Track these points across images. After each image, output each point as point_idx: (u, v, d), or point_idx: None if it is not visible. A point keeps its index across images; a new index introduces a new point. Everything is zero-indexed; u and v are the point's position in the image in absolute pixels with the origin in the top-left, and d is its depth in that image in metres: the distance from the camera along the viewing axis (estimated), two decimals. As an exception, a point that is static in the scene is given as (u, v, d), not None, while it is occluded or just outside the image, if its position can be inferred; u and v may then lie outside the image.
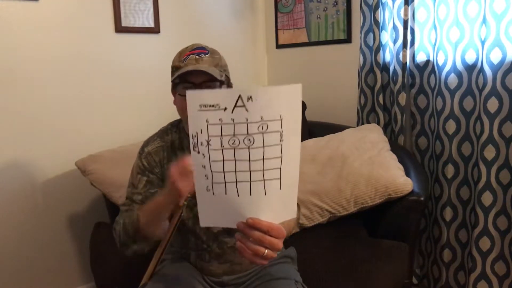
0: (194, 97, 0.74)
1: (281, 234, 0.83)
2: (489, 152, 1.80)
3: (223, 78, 1.20)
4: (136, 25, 2.25)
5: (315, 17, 2.49)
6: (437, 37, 1.92)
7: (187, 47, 1.24)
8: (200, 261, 1.34)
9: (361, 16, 2.14)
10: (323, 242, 1.70)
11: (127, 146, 2.09)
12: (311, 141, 2.04)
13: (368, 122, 2.20)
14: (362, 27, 2.15)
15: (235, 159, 0.76)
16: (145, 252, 1.25)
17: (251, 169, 0.76)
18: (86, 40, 2.11)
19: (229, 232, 1.31)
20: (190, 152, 1.27)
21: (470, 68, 1.85)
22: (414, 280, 2.15)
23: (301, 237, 1.71)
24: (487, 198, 1.82)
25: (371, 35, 2.12)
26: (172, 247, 1.43)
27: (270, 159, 0.76)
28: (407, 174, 1.77)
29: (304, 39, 2.56)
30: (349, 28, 2.34)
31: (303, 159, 1.85)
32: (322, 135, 2.08)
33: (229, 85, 1.28)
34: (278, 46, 2.73)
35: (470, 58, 1.85)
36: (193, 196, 1.28)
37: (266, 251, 0.82)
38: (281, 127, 0.74)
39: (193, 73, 1.17)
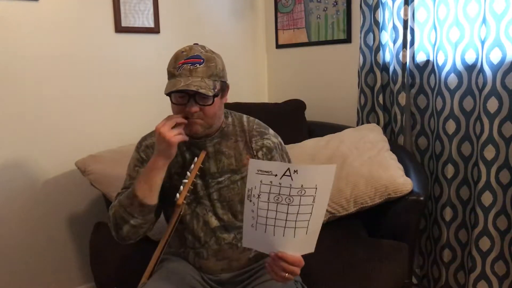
0: (255, 164, 1.01)
1: (301, 264, 1.09)
2: (489, 152, 1.80)
3: (216, 91, 1.20)
4: (136, 25, 2.25)
5: (315, 17, 2.49)
6: (437, 37, 1.92)
7: (183, 52, 1.22)
8: (199, 259, 1.34)
9: (361, 16, 2.14)
10: (323, 242, 1.68)
11: (127, 146, 2.08)
12: (311, 141, 2.04)
13: (368, 122, 2.20)
14: (362, 27, 2.15)
15: (276, 210, 1.03)
16: (140, 234, 1.26)
17: (286, 219, 1.03)
18: (86, 40, 2.11)
19: (226, 228, 1.32)
20: (185, 149, 1.31)
21: (470, 68, 1.85)
22: (414, 280, 2.15)
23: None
24: (487, 198, 1.82)
25: (371, 35, 2.12)
26: (170, 248, 1.44)
27: (303, 214, 1.02)
28: (407, 174, 1.77)
29: (304, 39, 2.56)
30: (349, 28, 2.34)
31: (303, 159, 1.86)
32: (322, 135, 2.08)
33: (225, 90, 1.27)
34: (278, 46, 2.73)
35: (470, 58, 1.85)
36: (191, 193, 1.30)
37: (287, 275, 1.07)
38: (315, 193, 1.00)
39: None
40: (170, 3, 2.37)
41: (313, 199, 1.00)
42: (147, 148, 1.33)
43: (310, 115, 2.39)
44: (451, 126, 1.92)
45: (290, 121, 2.30)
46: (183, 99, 1.20)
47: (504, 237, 1.84)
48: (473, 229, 1.87)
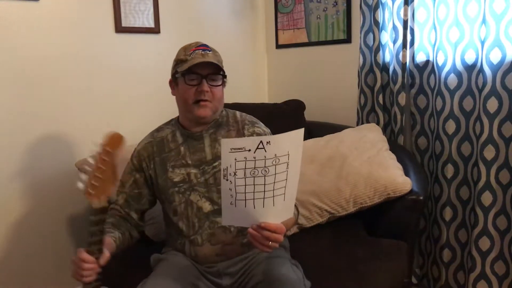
0: (228, 143, 1.01)
1: (283, 231, 1.13)
2: (489, 152, 1.80)
3: (225, 73, 1.37)
4: (136, 25, 2.25)
5: (315, 17, 2.49)
6: (437, 37, 1.92)
7: (190, 44, 1.38)
8: (194, 247, 1.37)
9: (361, 16, 2.14)
10: (323, 242, 1.70)
11: (127, 147, 2.08)
12: (310, 141, 2.04)
13: (368, 122, 2.20)
14: (362, 27, 2.15)
15: (254, 184, 1.04)
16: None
17: (265, 190, 1.05)
18: (86, 40, 2.11)
19: (219, 212, 1.33)
20: (182, 141, 1.39)
21: (469, 68, 1.85)
22: (414, 280, 2.15)
23: (300, 237, 1.71)
24: (486, 198, 1.82)
25: (371, 35, 2.12)
26: (169, 247, 1.47)
27: (279, 182, 1.05)
28: (407, 174, 1.77)
29: (304, 39, 2.57)
30: (349, 28, 2.34)
31: (303, 159, 1.85)
32: (321, 135, 2.08)
33: (225, 81, 1.41)
34: (278, 46, 2.73)
35: (470, 58, 1.85)
36: (185, 182, 1.36)
37: (270, 243, 1.11)
38: (288, 159, 1.03)
39: (201, 66, 1.31)
40: (170, 3, 2.37)
41: (287, 165, 1.04)
42: (139, 153, 1.45)
43: (310, 115, 2.39)
44: (451, 126, 1.92)
45: (290, 121, 2.30)
46: (194, 81, 1.33)
47: (504, 237, 1.85)
48: (473, 229, 1.87)
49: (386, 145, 1.92)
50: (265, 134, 1.44)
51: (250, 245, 1.38)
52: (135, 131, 2.26)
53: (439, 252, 2.03)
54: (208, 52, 1.35)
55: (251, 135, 1.42)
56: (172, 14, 2.38)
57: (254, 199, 1.06)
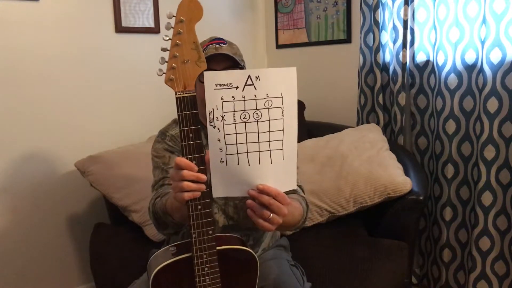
0: (211, 77, 0.89)
1: (286, 201, 0.96)
2: (489, 152, 1.80)
3: (243, 64, 1.26)
4: (136, 25, 2.25)
5: (315, 17, 2.49)
6: (437, 37, 1.92)
7: (205, 40, 1.28)
8: None
9: (361, 16, 2.14)
10: (323, 242, 1.70)
11: (126, 147, 2.09)
12: (310, 141, 2.04)
13: (368, 122, 2.20)
14: (362, 27, 2.15)
15: (246, 132, 0.92)
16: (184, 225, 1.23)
17: (259, 141, 0.93)
18: (86, 40, 2.11)
19: (234, 227, 1.31)
20: (204, 137, 1.23)
21: (470, 68, 1.85)
22: (414, 280, 2.15)
23: (300, 237, 1.71)
24: (487, 198, 1.82)
25: (371, 35, 2.12)
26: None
27: (275, 132, 0.93)
28: (407, 173, 1.77)
29: (304, 39, 2.56)
30: (349, 28, 2.34)
31: (302, 159, 1.86)
32: (321, 135, 2.08)
33: None
34: (278, 46, 2.73)
35: (470, 58, 1.85)
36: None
37: (271, 215, 0.94)
38: (282, 103, 0.92)
39: (214, 60, 1.21)
40: (170, 3, 2.37)
41: (282, 111, 0.93)
42: (173, 137, 1.30)
43: (310, 115, 2.39)
44: (451, 126, 1.92)
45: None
46: None
47: (504, 237, 1.84)
48: (473, 229, 1.87)
49: (386, 145, 1.92)
50: None
51: (264, 258, 1.33)
52: (135, 131, 2.28)
53: (439, 252, 2.03)
54: (222, 45, 1.25)
55: None
56: (172, 14, 2.38)
57: (247, 152, 0.92)
